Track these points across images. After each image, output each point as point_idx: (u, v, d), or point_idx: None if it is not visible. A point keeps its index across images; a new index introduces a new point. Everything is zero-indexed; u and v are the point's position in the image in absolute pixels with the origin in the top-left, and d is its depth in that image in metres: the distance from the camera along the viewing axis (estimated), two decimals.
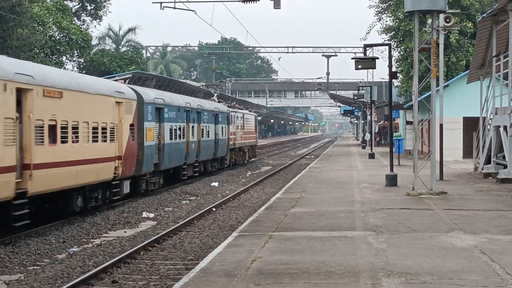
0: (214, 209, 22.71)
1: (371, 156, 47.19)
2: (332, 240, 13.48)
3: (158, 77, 49.82)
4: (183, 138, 31.32)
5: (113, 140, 22.11)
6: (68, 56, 55.76)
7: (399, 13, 46.65)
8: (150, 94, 27.17)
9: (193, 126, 33.18)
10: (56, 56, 52.70)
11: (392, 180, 24.99)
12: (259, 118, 75.43)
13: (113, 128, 22.13)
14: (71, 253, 15.25)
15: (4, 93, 15.51)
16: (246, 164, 48.25)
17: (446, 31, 31.05)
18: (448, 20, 27.69)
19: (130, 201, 24.12)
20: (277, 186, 30.78)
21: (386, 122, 74.50)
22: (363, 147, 68.61)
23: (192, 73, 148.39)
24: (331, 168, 36.87)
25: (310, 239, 13.59)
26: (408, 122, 51.22)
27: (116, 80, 30.22)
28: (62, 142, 18.42)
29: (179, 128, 30.59)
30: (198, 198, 26.61)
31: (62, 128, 18.38)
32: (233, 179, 35.70)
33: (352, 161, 44.85)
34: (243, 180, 35.27)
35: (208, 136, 36.43)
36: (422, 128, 39.69)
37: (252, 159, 52.29)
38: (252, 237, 14.07)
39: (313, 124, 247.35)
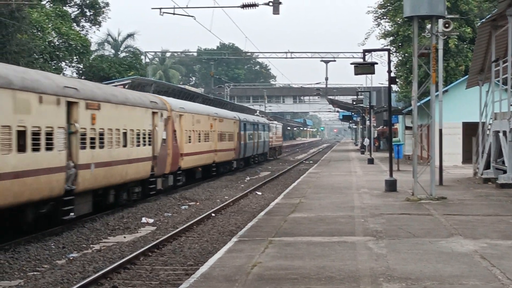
0: (213, 214, 22.70)
1: (370, 161, 47.18)
2: (332, 245, 13.47)
3: (157, 83, 49.90)
4: (252, 140, 52.07)
5: (233, 140, 44.27)
6: (67, 61, 55.77)
7: (398, 19, 46.71)
8: (241, 116, 49.51)
9: (255, 133, 53.72)
10: (55, 61, 52.70)
11: (391, 185, 24.98)
12: None
13: (233, 134, 44.44)
14: (71, 258, 15.22)
15: (208, 119, 37.35)
16: (276, 158, 68.23)
17: (445, 37, 31.07)
18: (447, 25, 27.74)
19: (129, 206, 24.11)
20: (276, 191, 30.77)
21: (385, 127, 74.50)
22: (362, 153, 68.59)
23: (191, 79, 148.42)
24: (330, 174, 36.86)
25: (310, 245, 13.58)
26: (407, 127, 51.25)
27: (115, 86, 30.50)
28: (223, 141, 40.78)
29: (251, 134, 51.58)
30: (197, 203, 26.58)
31: (223, 134, 40.59)
32: (232, 185, 35.68)
33: (351, 166, 44.84)
34: (242, 186, 35.24)
35: (260, 139, 56.81)
36: (422, 134, 39.71)
37: (279, 156, 73.32)
38: (252, 242, 14.05)
39: (311, 130, 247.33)
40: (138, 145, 24.23)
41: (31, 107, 16.67)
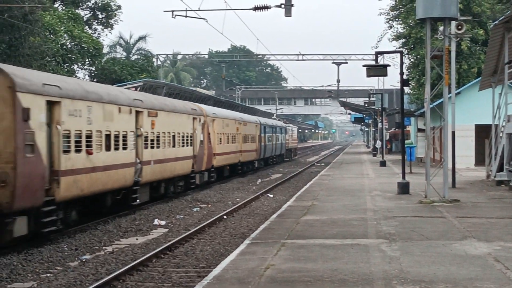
0: (225, 216, 22.68)
1: (382, 163, 47.06)
2: (345, 248, 13.43)
3: (169, 85, 50.03)
4: (271, 142, 56.51)
5: (254, 142, 48.44)
6: (79, 64, 55.95)
7: (410, 21, 46.57)
8: (262, 120, 54.41)
9: (274, 135, 57.96)
10: (67, 64, 52.88)
11: (404, 188, 24.90)
12: None
13: (255, 137, 48.68)
14: (84, 260, 15.25)
15: (235, 123, 41.66)
16: (292, 160, 71.82)
17: (458, 38, 30.94)
18: (459, 27, 27.60)
19: (141, 208, 24.15)
20: (288, 194, 30.73)
21: (397, 129, 74.28)
22: (374, 155, 68.46)
23: (202, 81, 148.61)
24: (342, 176, 36.79)
25: (322, 247, 13.55)
26: (420, 130, 51.10)
27: (127, 88, 30.71)
28: (247, 142, 45.35)
29: (269, 136, 55.50)
30: (209, 205, 26.58)
31: (246, 137, 45.39)
32: (243, 187, 35.66)
33: (363, 168, 44.74)
34: (254, 188, 35.22)
35: (278, 141, 61.14)
36: (434, 136, 39.56)
37: (295, 157, 77.41)
38: (264, 244, 14.04)
39: (323, 132, 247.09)
40: (183, 146, 29.02)
41: (113, 116, 21.10)
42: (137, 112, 23.44)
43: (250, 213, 23.95)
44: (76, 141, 18.35)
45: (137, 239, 18.33)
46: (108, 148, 20.52)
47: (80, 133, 18.63)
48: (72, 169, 18.09)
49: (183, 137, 28.94)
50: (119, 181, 21.51)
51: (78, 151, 18.45)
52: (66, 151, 17.77)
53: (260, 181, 40.53)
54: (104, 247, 17.06)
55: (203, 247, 16.83)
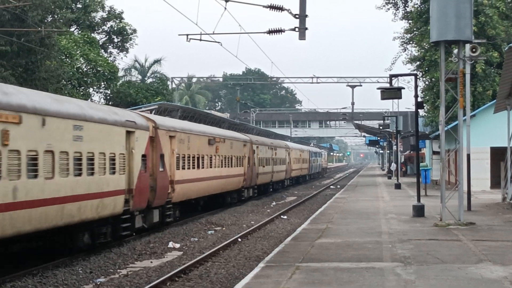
0: (239, 239, 22.65)
1: (397, 186, 46.87)
2: (360, 271, 13.37)
3: (184, 108, 50.16)
4: (315, 163, 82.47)
5: (307, 163, 74.88)
6: (95, 87, 56.37)
7: (424, 43, 46.57)
8: (311, 148, 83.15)
9: (316, 158, 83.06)
10: (83, 88, 53.30)
11: (419, 211, 24.78)
12: None
13: (307, 159, 74.79)
14: (98, 283, 15.26)
15: (299, 151, 72.07)
16: (323, 177, 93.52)
17: (472, 61, 30.90)
18: (474, 50, 27.60)
19: (156, 231, 24.18)
20: (303, 216, 30.67)
21: (412, 152, 74.05)
22: (389, 178, 68.20)
23: (217, 104, 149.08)
24: (357, 199, 36.67)
25: (337, 270, 13.50)
26: (434, 152, 50.90)
27: (142, 111, 30.82)
28: (304, 163, 73.00)
29: (314, 159, 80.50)
30: (224, 228, 26.57)
31: (303, 160, 72.96)
32: (258, 209, 35.62)
33: (378, 191, 44.58)
34: (268, 211, 35.17)
35: (318, 162, 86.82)
36: (449, 158, 39.37)
37: (325, 174, 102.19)
38: (279, 268, 14.00)
39: (337, 154, 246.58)
40: (281, 165, 53.85)
41: (267, 151, 47.02)
42: (272, 148, 48.94)
43: (265, 236, 23.91)
44: (261, 161, 44.10)
45: (151, 262, 18.34)
46: (265, 164, 45.97)
47: (263, 158, 44.78)
48: (260, 173, 43.93)
49: (281, 160, 53.38)
50: (267, 179, 47.67)
51: (262, 165, 44.50)
52: (259, 165, 43.65)
53: (274, 203, 40.48)
54: (118, 270, 17.08)
55: (218, 270, 16.81)
